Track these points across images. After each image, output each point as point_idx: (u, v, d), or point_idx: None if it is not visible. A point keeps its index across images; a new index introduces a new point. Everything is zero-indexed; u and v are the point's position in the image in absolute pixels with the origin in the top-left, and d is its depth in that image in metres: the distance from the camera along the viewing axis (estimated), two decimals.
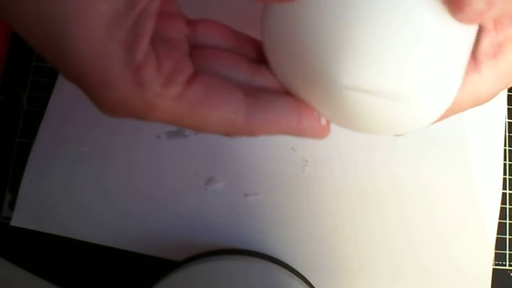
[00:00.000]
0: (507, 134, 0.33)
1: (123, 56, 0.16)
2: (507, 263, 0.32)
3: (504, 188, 0.32)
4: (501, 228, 0.32)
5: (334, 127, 0.32)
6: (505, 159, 0.33)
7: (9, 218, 0.31)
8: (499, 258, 0.32)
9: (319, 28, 0.17)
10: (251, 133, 0.19)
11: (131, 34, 0.16)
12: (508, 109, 0.33)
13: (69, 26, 0.15)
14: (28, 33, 0.16)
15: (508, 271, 0.32)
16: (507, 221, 0.32)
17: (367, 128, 0.20)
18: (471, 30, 0.17)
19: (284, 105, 0.20)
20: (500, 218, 0.32)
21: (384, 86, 0.17)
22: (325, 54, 0.17)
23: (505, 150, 0.33)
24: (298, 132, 0.20)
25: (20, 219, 0.31)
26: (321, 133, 0.21)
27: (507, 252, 0.32)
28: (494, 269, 0.31)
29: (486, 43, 0.18)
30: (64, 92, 0.33)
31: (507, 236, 0.32)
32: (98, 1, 0.15)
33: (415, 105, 0.18)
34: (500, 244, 0.32)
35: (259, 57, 0.21)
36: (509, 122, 0.33)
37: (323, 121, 0.21)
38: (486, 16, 0.16)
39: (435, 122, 0.19)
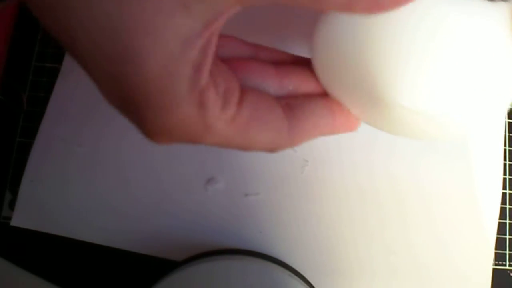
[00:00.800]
0: (507, 134, 0.33)
1: (192, 76, 0.15)
2: (507, 263, 0.32)
3: (504, 188, 0.32)
4: (501, 228, 0.32)
5: None
6: (505, 159, 0.33)
7: (9, 218, 0.31)
8: (499, 258, 0.32)
9: (379, 47, 0.17)
10: (293, 144, 0.19)
11: (201, 54, 0.15)
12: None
13: (142, 39, 0.14)
14: (86, 44, 0.14)
15: (508, 271, 0.32)
16: (507, 221, 0.32)
17: (413, 137, 0.20)
18: None
19: (318, 108, 0.20)
20: (500, 218, 0.32)
21: (442, 109, 0.17)
22: (385, 75, 0.17)
23: (505, 150, 0.33)
24: (334, 131, 0.20)
25: (20, 219, 0.31)
26: (354, 127, 0.21)
27: (507, 252, 0.32)
28: (494, 269, 0.31)
29: None
30: (64, 92, 0.33)
31: (507, 236, 0.32)
32: (177, 16, 0.14)
33: (468, 123, 0.18)
34: (500, 244, 0.32)
35: (277, 60, 0.21)
36: (509, 122, 0.33)
37: (353, 115, 0.21)
38: None
39: None
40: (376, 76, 0.17)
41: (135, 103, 0.15)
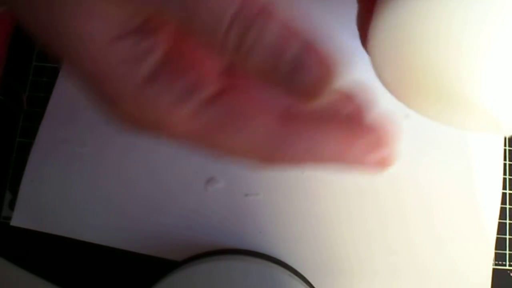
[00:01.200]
0: None
1: (127, 72, 0.16)
2: (507, 263, 0.32)
3: (504, 188, 0.32)
4: (501, 228, 0.32)
5: None
6: (505, 159, 0.33)
7: (9, 218, 0.31)
8: (499, 258, 0.32)
9: (455, 44, 0.16)
10: (286, 162, 0.17)
11: (135, 51, 0.15)
12: None
13: (77, 43, 0.15)
14: (51, 43, 0.16)
15: (508, 271, 0.32)
16: (507, 221, 0.32)
17: (470, 130, 0.19)
18: None
19: (330, 132, 0.17)
20: (500, 218, 0.32)
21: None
22: (465, 78, 0.16)
23: (505, 150, 0.33)
24: (349, 164, 0.18)
25: (20, 219, 0.31)
26: (378, 165, 0.18)
27: (507, 252, 0.32)
28: (494, 269, 0.31)
29: None
30: (64, 92, 0.33)
31: (507, 236, 0.32)
32: (100, 18, 0.15)
33: None
34: (500, 244, 0.32)
35: None
36: None
37: (382, 153, 0.18)
38: None
39: None
40: (454, 79, 0.16)
41: (92, 96, 0.17)
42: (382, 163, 0.18)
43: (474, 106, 0.17)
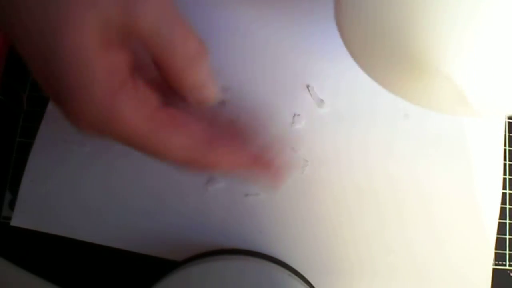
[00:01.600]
0: (507, 134, 0.33)
1: (103, 87, 0.19)
2: (507, 263, 0.32)
3: (504, 188, 0.32)
4: (501, 228, 0.32)
5: (333, 128, 0.32)
6: (505, 159, 0.33)
7: (9, 218, 0.31)
8: (499, 258, 0.32)
9: (416, 12, 0.15)
10: (207, 163, 0.22)
11: (115, 60, 0.19)
12: None
13: (61, 37, 0.18)
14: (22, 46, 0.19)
15: (508, 271, 0.32)
16: (507, 221, 0.32)
17: (443, 110, 0.19)
18: None
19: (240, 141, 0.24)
20: (500, 218, 0.32)
21: (483, 82, 0.16)
22: (426, 40, 0.16)
23: (505, 150, 0.33)
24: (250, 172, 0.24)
25: (20, 219, 0.31)
26: (270, 179, 0.25)
27: (507, 252, 0.32)
28: (494, 269, 0.31)
29: None
30: None
31: (507, 236, 0.32)
32: (91, 29, 0.18)
33: (501, 102, 0.17)
34: (500, 244, 0.32)
35: None
36: (509, 122, 0.33)
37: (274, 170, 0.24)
38: None
39: None
40: (414, 40, 0.16)
41: (62, 95, 0.20)
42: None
43: (440, 76, 0.16)
